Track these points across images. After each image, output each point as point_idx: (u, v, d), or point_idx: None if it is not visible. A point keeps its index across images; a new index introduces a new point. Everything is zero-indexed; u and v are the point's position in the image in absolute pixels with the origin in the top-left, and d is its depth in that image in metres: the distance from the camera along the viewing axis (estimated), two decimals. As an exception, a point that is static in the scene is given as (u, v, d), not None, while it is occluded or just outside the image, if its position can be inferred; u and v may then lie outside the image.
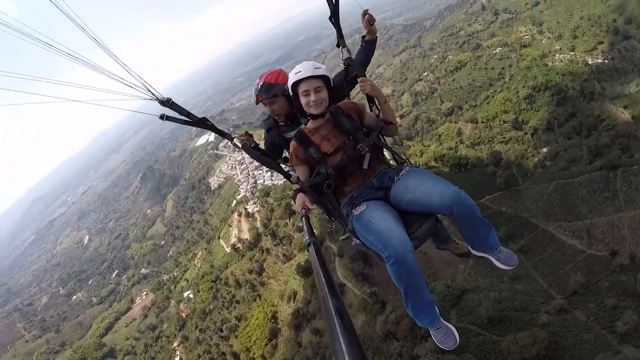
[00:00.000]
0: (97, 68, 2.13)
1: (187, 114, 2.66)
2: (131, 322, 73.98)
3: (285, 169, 3.08)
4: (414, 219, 2.41)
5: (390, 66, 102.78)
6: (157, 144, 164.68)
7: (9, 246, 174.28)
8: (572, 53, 70.48)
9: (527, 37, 78.92)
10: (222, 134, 2.95)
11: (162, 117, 2.63)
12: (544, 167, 52.49)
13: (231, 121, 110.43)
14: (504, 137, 62.41)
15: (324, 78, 2.49)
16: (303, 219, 2.14)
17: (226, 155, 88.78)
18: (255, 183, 71.45)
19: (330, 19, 2.86)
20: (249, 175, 74.90)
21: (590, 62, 67.20)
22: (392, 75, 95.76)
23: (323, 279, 1.00)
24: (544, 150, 56.49)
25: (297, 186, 2.63)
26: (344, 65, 2.90)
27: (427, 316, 2.41)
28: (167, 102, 2.56)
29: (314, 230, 2.03)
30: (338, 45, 2.96)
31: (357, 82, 2.79)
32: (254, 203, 63.59)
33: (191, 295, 64.00)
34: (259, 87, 2.94)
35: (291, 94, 2.54)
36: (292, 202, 2.62)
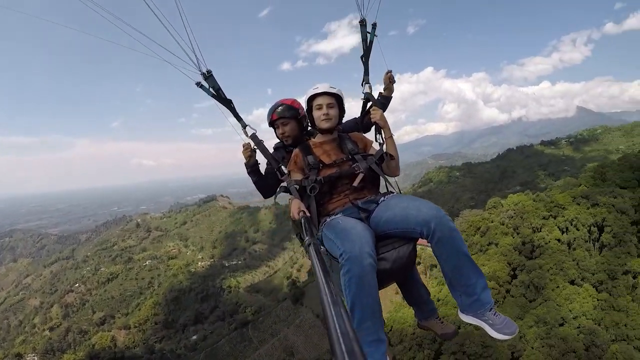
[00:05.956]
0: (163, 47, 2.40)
1: (219, 89, 2.79)
2: None
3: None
4: (388, 242, 2.14)
5: (40, 277, 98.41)
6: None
7: None
8: (212, 259, 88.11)
9: (174, 250, 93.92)
10: (239, 119, 2.91)
11: (197, 84, 2.75)
12: (196, 350, 56.12)
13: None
14: (157, 337, 66.01)
15: (337, 97, 2.61)
16: (303, 220, 2.08)
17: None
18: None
19: (361, 57, 2.94)
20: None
21: (227, 265, 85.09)
22: (42, 286, 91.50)
23: (323, 279, 1.00)
24: (194, 337, 63.45)
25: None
26: (363, 100, 2.95)
27: (374, 353, 1.84)
28: (207, 74, 2.72)
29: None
30: (363, 83, 2.97)
31: (371, 127, 2.78)
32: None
33: None
34: (279, 107, 2.88)
35: (306, 108, 2.66)
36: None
